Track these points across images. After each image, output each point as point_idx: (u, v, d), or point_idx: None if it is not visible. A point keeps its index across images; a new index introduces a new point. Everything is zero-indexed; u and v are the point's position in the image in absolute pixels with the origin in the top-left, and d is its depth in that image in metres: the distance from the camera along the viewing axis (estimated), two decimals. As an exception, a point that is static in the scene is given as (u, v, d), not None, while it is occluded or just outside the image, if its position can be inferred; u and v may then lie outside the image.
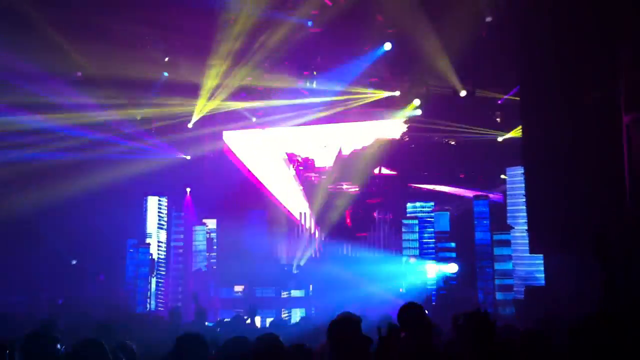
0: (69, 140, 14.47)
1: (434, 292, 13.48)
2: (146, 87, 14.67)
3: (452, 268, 13.30)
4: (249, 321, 8.46)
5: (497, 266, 12.99)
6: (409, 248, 14.06)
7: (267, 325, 10.07)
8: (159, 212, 15.38)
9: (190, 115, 15.92)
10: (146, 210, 15.30)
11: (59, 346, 4.34)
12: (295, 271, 14.87)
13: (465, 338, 3.85)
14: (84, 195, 14.28)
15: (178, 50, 14.30)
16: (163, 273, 15.25)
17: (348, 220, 16.25)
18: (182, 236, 15.65)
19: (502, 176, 13.20)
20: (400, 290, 13.41)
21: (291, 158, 17.14)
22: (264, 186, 17.20)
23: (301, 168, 17.10)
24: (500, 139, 14.35)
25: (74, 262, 14.41)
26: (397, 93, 15.16)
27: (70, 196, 14.15)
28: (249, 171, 17.23)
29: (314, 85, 15.02)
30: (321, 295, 13.52)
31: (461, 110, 14.37)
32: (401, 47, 13.68)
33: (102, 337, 4.53)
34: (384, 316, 7.18)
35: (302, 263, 15.35)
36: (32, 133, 13.79)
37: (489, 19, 12.68)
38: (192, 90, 14.95)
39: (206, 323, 9.30)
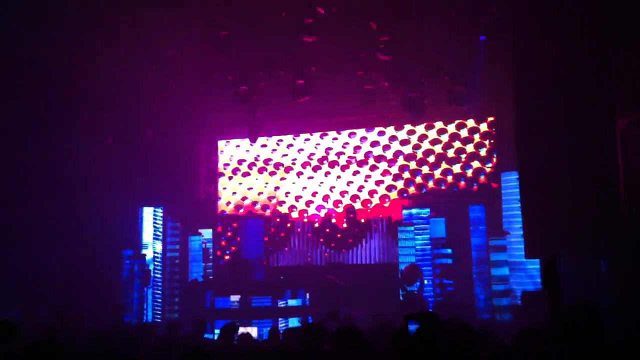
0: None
1: (431, 300, 13.47)
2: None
3: None
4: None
5: (494, 272, 12.98)
6: (406, 255, 14.03)
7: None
8: (154, 222, 15.31)
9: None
10: (142, 221, 15.23)
11: None
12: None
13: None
14: (78, 206, 14.25)
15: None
16: (159, 284, 15.17)
17: (344, 228, 16.23)
18: (177, 246, 15.58)
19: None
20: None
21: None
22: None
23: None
24: None
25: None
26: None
27: (65, 206, 14.12)
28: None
29: None
30: (318, 304, 13.47)
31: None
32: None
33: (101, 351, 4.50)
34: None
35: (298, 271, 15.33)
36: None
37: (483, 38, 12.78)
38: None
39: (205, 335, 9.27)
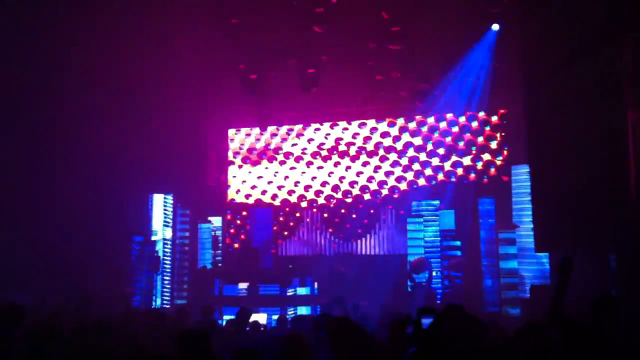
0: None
1: (439, 291, 13.47)
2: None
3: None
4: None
5: (502, 265, 12.96)
6: (415, 246, 14.03)
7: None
8: (164, 209, 15.39)
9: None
10: (152, 207, 15.31)
11: None
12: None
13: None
14: (89, 192, 14.33)
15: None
16: (168, 270, 15.26)
17: (353, 219, 16.26)
18: (187, 234, 15.66)
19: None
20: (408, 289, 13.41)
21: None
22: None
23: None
24: None
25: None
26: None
27: (75, 192, 14.19)
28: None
29: None
30: (326, 293, 13.51)
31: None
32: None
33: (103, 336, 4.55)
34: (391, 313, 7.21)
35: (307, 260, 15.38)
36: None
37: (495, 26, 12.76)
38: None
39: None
